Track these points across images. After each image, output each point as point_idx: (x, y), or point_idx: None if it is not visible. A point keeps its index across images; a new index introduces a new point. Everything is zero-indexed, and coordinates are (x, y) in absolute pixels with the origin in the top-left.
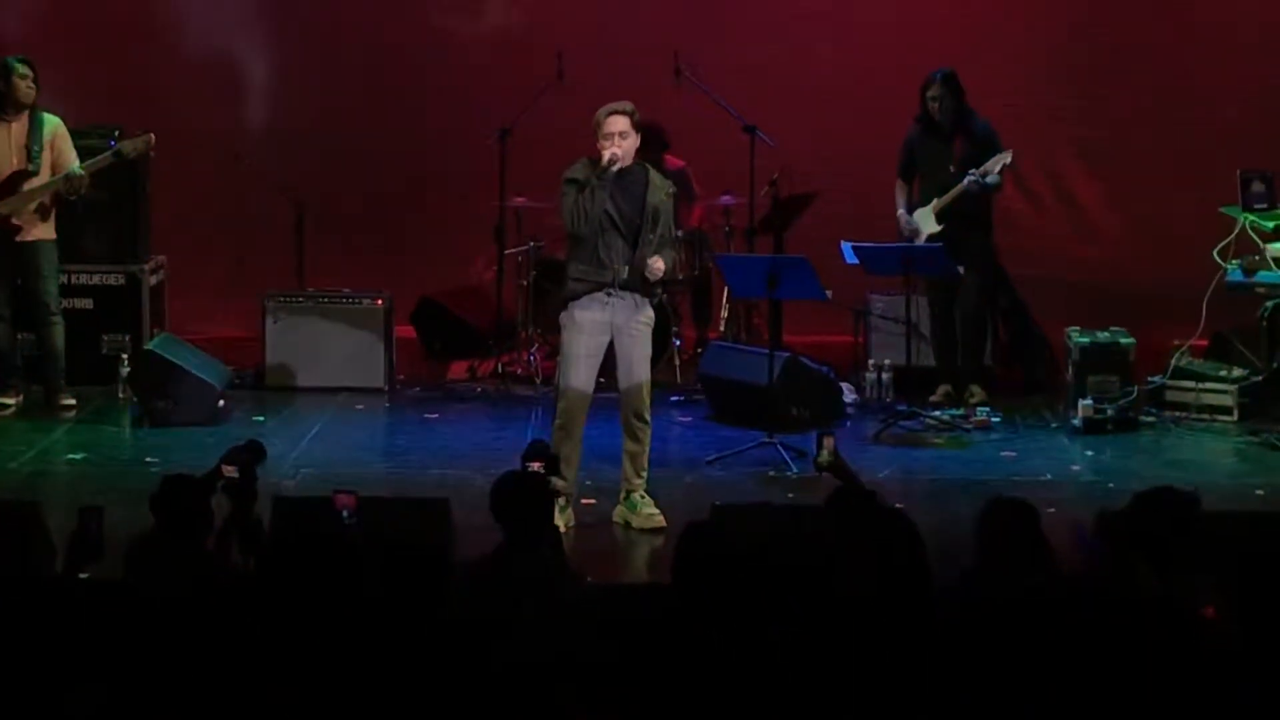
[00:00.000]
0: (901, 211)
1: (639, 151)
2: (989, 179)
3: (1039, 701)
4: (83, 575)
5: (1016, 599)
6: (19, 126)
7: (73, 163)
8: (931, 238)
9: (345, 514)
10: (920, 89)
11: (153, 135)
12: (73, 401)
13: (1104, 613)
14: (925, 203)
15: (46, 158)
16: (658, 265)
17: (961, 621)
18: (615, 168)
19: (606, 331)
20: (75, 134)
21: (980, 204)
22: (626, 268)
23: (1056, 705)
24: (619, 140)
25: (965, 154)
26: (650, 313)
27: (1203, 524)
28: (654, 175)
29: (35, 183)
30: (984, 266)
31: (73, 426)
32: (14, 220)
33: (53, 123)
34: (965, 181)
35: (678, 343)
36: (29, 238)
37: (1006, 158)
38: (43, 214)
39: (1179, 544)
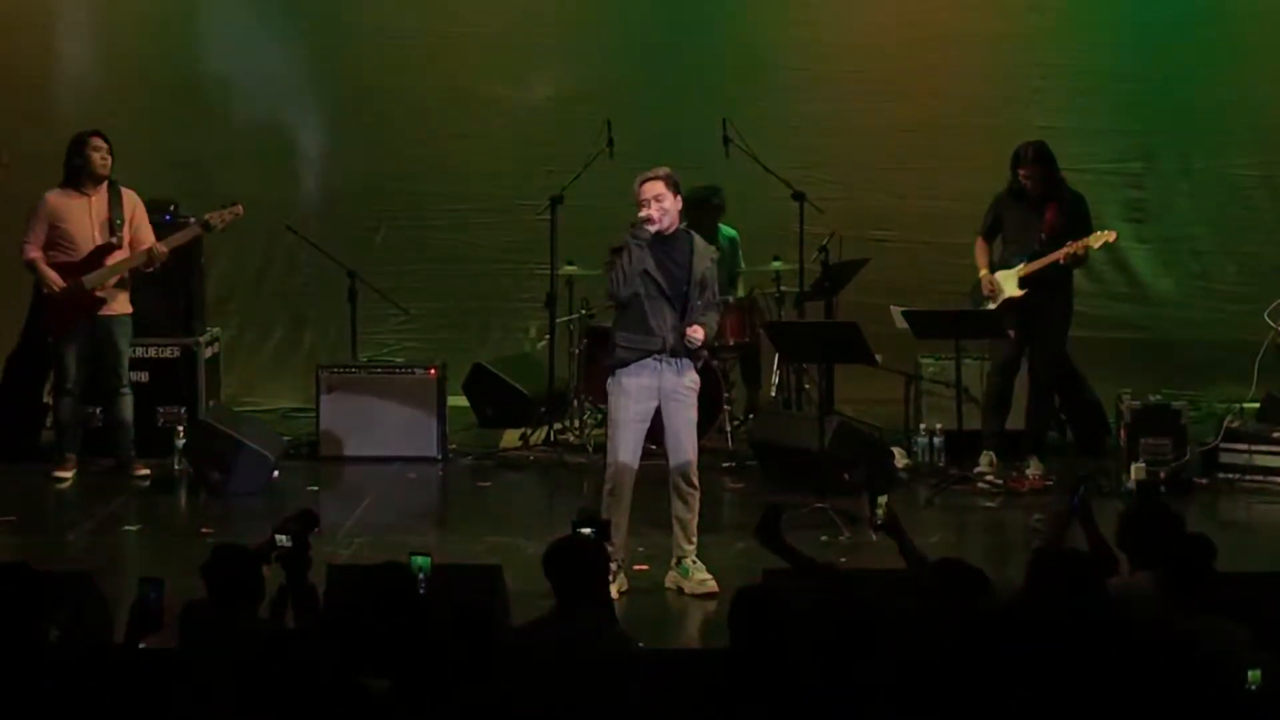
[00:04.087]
0: (985, 271)
1: (693, 216)
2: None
3: None
4: (141, 645)
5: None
6: (99, 200)
7: (150, 238)
8: (1010, 301)
9: (420, 576)
10: (1011, 163)
11: (240, 206)
12: (147, 471)
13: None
14: (1008, 265)
15: (126, 232)
16: (697, 334)
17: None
18: (652, 228)
19: (654, 397)
20: None
21: (1065, 270)
22: (674, 333)
23: None
24: (655, 204)
25: (1056, 223)
26: (696, 377)
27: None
28: (698, 241)
29: (119, 256)
30: (1060, 333)
31: (129, 498)
32: (98, 293)
33: (132, 198)
34: (1061, 254)
35: (728, 408)
36: (110, 312)
37: (1110, 236)
38: (124, 288)
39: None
